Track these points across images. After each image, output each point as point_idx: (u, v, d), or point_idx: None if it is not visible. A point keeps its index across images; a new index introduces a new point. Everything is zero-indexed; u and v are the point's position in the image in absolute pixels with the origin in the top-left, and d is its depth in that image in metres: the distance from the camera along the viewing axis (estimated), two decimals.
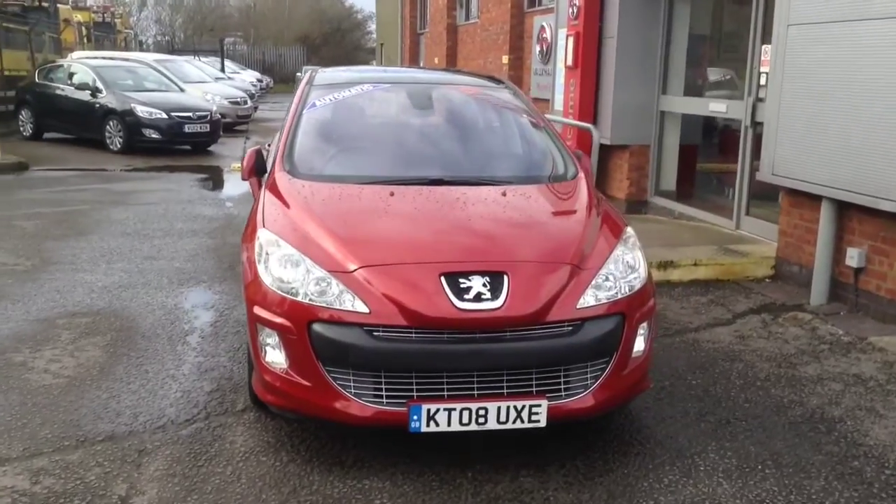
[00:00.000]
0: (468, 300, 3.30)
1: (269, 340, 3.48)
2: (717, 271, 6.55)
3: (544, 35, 11.57)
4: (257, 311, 3.50)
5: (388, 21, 25.53)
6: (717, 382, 4.49)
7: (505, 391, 3.35)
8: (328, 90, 4.87)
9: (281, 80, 41.29)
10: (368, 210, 3.86)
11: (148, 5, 54.16)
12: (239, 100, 19.59)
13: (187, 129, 14.63)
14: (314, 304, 3.35)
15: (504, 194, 4.06)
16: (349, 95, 4.82)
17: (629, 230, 3.96)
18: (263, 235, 3.70)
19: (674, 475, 3.47)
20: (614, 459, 3.59)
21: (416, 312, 3.27)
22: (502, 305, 3.31)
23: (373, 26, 44.97)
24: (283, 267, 3.50)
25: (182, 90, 16.25)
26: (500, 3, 13.85)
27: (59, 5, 24.80)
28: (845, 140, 5.51)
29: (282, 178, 4.15)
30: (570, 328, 3.41)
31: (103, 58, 18.76)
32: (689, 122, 8.75)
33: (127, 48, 37.53)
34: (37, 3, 22.07)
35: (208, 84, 19.85)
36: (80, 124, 15.11)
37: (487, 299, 3.32)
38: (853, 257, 5.58)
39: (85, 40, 29.93)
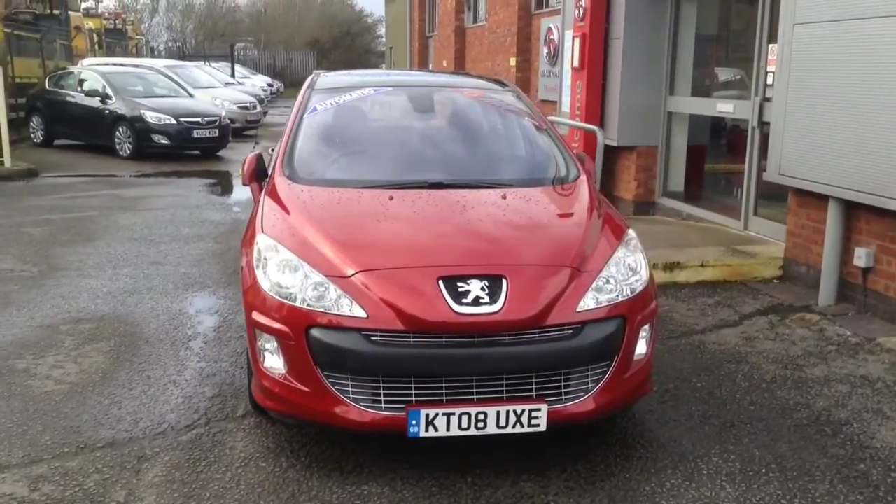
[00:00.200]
0: (466, 304, 3.28)
1: (267, 346, 3.47)
2: (725, 272, 6.50)
3: (551, 37, 11.55)
4: (255, 316, 3.49)
5: (397, 24, 25.57)
6: (722, 385, 4.44)
7: (504, 395, 3.33)
8: (329, 94, 4.85)
9: (291, 84, 41.33)
10: (367, 214, 3.84)
11: (159, 12, 54.48)
12: (248, 104, 19.63)
13: (196, 134, 14.67)
14: (312, 309, 3.34)
15: (504, 197, 4.04)
16: (350, 99, 4.81)
17: (630, 232, 3.92)
18: (262, 241, 3.69)
19: (676, 479, 3.44)
20: (616, 463, 3.56)
21: (413, 317, 3.25)
22: (501, 309, 3.28)
23: (382, 30, 45.05)
24: (281, 272, 3.49)
25: (191, 96, 16.31)
26: (508, 6, 13.83)
27: (70, 13, 24.93)
28: (852, 139, 5.46)
29: (281, 183, 4.14)
30: (570, 331, 3.38)
31: (114, 64, 18.86)
32: (697, 123, 8.69)
33: (138, 54, 37.70)
34: (48, 11, 22.20)
35: (218, 89, 19.91)
36: (90, 131, 15.18)
37: (486, 303, 3.29)
38: (861, 257, 5.52)
39: (96, 47, 30.08)
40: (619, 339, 3.46)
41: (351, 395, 3.31)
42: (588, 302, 3.44)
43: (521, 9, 13.26)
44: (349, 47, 51.01)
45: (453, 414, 3.24)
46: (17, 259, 7.08)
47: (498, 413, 3.26)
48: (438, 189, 4.07)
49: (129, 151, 14.55)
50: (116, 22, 37.61)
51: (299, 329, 3.33)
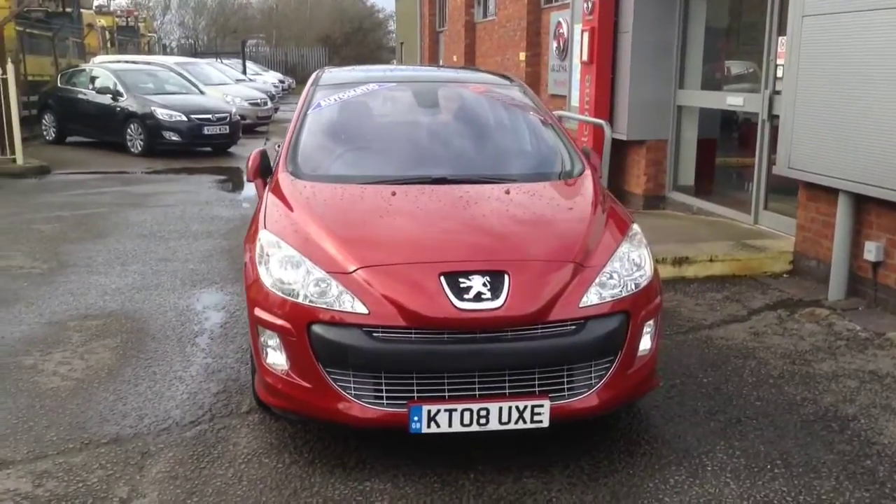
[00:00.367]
0: (468, 300, 3.27)
1: (270, 342, 3.47)
2: (734, 267, 6.45)
3: (561, 31, 11.50)
4: (258, 312, 3.49)
5: (408, 20, 25.53)
6: (728, 380, 4.41)
7: (507, 391, 3.31)
8: (333, 90, 4.85)
9: (303, 80, 41.28)
10: (370, 210, 3.83)
11: (171, 9, 54.64)
12: (259, 101, 19.68)
13: (206, 130, 14.73)
14: (314, 305, 3.33)
15: (508, 192, 4.02)
16: (354, 95, 4.79)
17: (635, 227, 3.89)
18: (264, 237, 3.69)
19: (680, 475, 3.41)
20: (620, 459, 3.54)
21: (415, 313, 3.24)
22: (503, 305, 3.27)
23: (394, 25, 44.99)
24: (283, 268, 3.49)
25: (202, 93, 16.35)
26: (517, 0, 13.78)
27: (82, 10, 25.03)
28: (861, 132, 5.40)
29: (284, 180, 4.14)
30: (573, 327, 3.36)
31: (125, 61, 18.93)
32: (707, 117, 8.63)
33: (150, 52, 37.83)
34: (60, 9, 22.30)
35: (229, 86, 19.97)
36: (102, 128, 15.26)
37: (488, 299, 3.28)
38: (871, 251, 5.47)
39: (108, 44, 30.21)
40: (622, 335, 3.44)
41: (353, 392, 3.31)
42: (591, 297, 3.42)
43: (530, 3, 13.21)
44: (361, 43, 51.04)
45: (455, 410, 3.23)
46: (27, 256, 7.12)
47: (500, 409, 3.25)
48: (442, 184, 4.06)
49: (140, 148, 14.63)
50: (129, 19, 37.73)
51: (301, 325, 3.32)
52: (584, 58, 9.27)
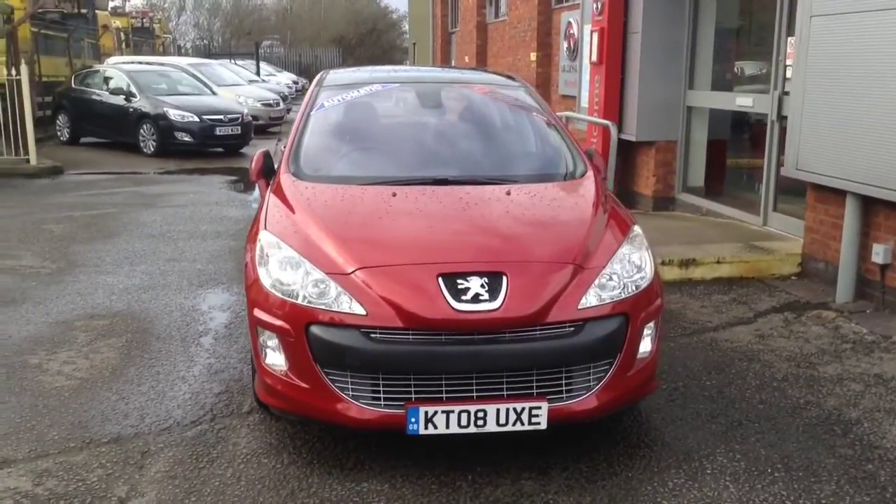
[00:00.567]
0: (465, 301, 3.26)
1: (269, 343, 3.48)
2: (742, 269, 6.42)
3: (571, 31, 11.47)
4: (257, 313, 3.50)
5: (421, 20, 25.55)
6: (732, 383, 4.39)
7: (505, 393, 3.31)
8: (337, 91, 4.86)
9: None
10: (369, 211, 3.83)
11: (186, 10, 54.91)
12: (271, 102, 19.76)
13: (219, 131, 14.80)
14: (312, 306, 3.34)
15: (509, 193, 4.01)
16: (357, 96, 4.80)
17: (636, 228, 3.88)
18: (265, 237, 3.70)
19: (679, 479, 3.40)
20: (619, 462, 3.52)
21: (412, 314, 3.24)
22: (500, 306, 3.26)
23: (407, 26, 45.05)
24: (282, 269, 3.50)
25: (214, 93, 16.43)
26: (528, 0, 13.75)
27: (97, 11, 25.19)
28: (869, 133, 5.36)
29: (286, 180, 4.15)
30: (572, 329, 3.35)
31: (138, 62, 19.05)
32: (718, 117, 8.59)
33: (165, 53, 38.05)
34: (76, 10, 22.44)
35: (241, 87, 20.06)
36: (115, 128, 15.36)
37: (485, 300, 3.27)
38: (879, 253, 5.43)
39: (123, 45, 30.41)
40: (621, 337, 3.43)
41: (351, 393, 3.31)
42: (590, 299, 3.41)
43: (541, 3, 13.16)
44: (375, 43, 51.17)
45: (452, 411, 3.22)
46: (37, 256, 7.17)
47: (498, 411, 3.24)
48: (443, 185, 4.05)
49: (153, 149, 14.71)
50: (144, 20, 37.97)
51: (299, 326, 3.33)
52: (594, 58, 9.25)
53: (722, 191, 8.53)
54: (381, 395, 3.30)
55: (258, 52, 31.58)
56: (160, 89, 15.51)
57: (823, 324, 5.30)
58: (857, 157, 5.47)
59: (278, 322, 3.40)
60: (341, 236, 3.58)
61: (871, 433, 3.80)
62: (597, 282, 3.46)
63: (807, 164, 6.02)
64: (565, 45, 11.82)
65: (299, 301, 3.37)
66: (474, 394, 3.29)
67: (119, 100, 15.13)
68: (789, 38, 6.74)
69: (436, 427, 3.23)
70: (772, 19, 7.21)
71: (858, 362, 4.66)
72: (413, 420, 3.22)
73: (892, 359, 4.69)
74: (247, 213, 9.39)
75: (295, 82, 32.87)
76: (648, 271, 3.65)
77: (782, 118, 6.95)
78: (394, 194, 3.93)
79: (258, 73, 27.11)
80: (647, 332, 3.57)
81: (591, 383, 3.40)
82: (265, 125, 18.77)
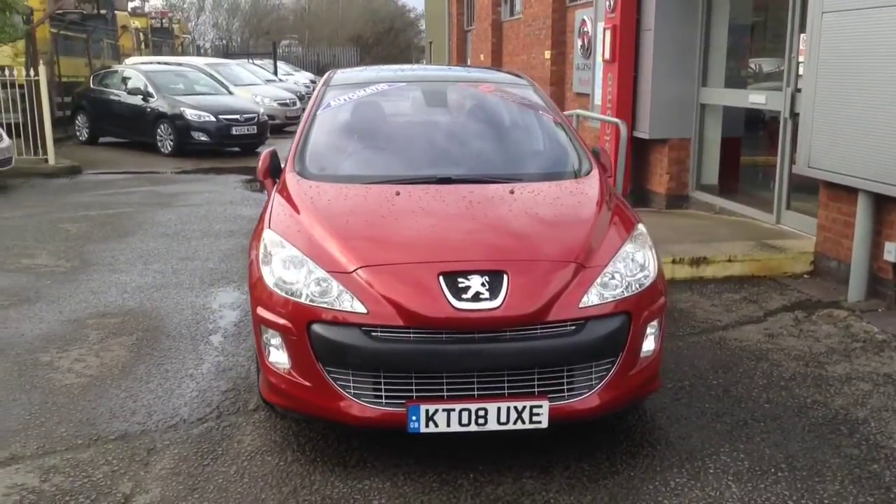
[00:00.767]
0: (466, 300, 3.27)
1: (272, 341, 3.50)
2: (753, 267, 6.38)
3: (585, 29, 11.42)
4: (260, 311, 3.53)
5: (437, 19, 25.53)
6: (738, 382, 4.36)
7: (506, 391, 3.31)
8: (343, 90, 4.88)
9: None
10: (372, 210, 3.84)
11: (205, 10, 55.24)
12: (288, 101, 19.84)
13: (235, 131, 14.90)
14: (314, 304, 3.36)
15: (512, 192, 4.01)
16: (363, 95, 4.82)
17: (640, 227, 3.87)
18: (268, 236, 3.72)
19: (681, 478, 3.38)
20: (621, 461, 3.52)
21: (413, 312, 3.25)
22: (500, 305, 3.27)
23: (424, 25, 45.08)
24: (285, 268, 3.52)
25: (231, 93, 16.52)
26: None
27: (116, 12, 25.41)
28: (881, 130, 5.31)
29: (291, 180, 4.17)
30: (573, 327, 3.35)
31: (156, 63, 19.19)
32: (732, 115, 8.53)
33: (184, 53, 38.29)
34: (95, 11, 22.65)
35: (258, 86, 20.15)
36: (133, 128, 15.49)
37: (486, 299, 3.28)
38: (891, 252, 5.38)
39: (142, 46, 30.64)
40: (623, 336, 3.42)
41: (352, 391, 3.33)
42: (591, 297, 3.40)
43: (555, 1, 13.12)
44: (392, 42, 51.22)
45: (453, 410, 3.23)
46: (52, 255, 7.26)
47: (499, 409, 3.24)
48: (447, 184, 4.06)
49: (170, 148, 14.83)
50: (163, 21, 38.23)
51: (301, 324, 3.35)
52: (607, 56, 9.21)
53: (736, 189, 8.47)
54: (383, 394, 3.31)
55: (276, 51, 31.69)
56: (177, 89, 15.63)
57: (834, 323, 5.26)
58: (869, 155, 5.42)
59: (281, 320, 3.42)
60: (344, 235, 3.60)
61: (877, 433, 3.76)
62: (599, 280, 3.46)
63: (818, 161, 5.98)
64: (579, 42, 11.77)
65: (302, 300, 3.39)
66: (475, 392, 3.30)
67: (137, 100, 15.27)
68: (801, 35, 6.69)
69: (437, 425, 3.24)
70: (785, 15, 7.15)
71: (868, 361, 4.62)
72: (414, 418, 3.24)
73: None
74: (261, 212, 9.44)
75: (313, 81, 32.90)
76: (652, 270, 3.64)
77: (795, 115, 6.89)
78: (397, 193, 3.95)
79: (275, 73, 27.21)
80: (650, 330, 3.56)
81: (593, 382, 3.40)
82: (281, 124, 18.85)
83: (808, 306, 5.61)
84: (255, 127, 15.15)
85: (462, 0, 21.14)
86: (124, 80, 15.90)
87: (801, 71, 6.69)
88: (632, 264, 3.60)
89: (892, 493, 3.27)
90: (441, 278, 3.32)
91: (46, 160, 12.68)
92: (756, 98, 7.72)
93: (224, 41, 49.89)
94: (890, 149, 5.23)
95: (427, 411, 3.23)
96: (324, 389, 3.35)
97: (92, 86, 16.37)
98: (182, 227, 8.51)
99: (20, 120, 12.68)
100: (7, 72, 12.29)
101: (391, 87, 5.00)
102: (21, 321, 5.40)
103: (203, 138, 14.69)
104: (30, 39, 14.68)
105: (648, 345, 3.56)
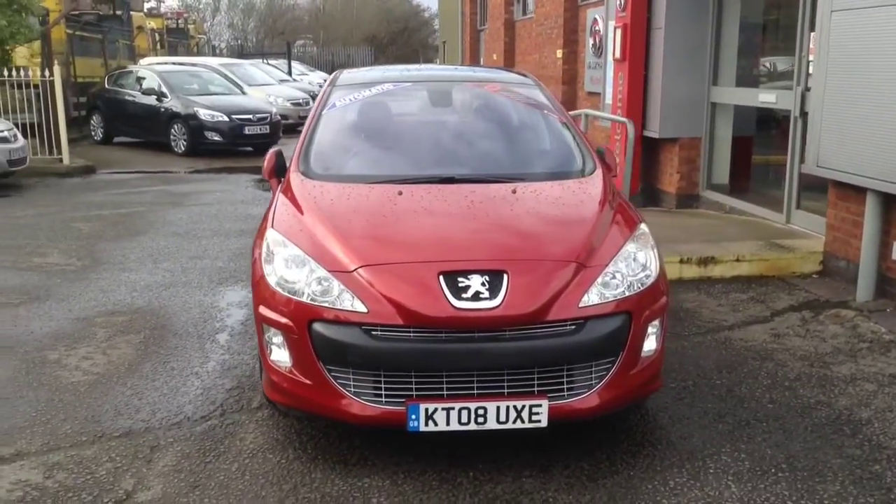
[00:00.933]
0: (466, 299, 3.28)
1: (274, 340, 3.53)
2: (762, 267, 6.35)
3: (596, 28, 11.40)
4: (262, 310, 3.55)
5: (450, 19, 25.54)
6: (742, 382, 4.35)
7: (505, 391, 3.32)
8: (349, 90, 4.90)
9: None
10: (374, 210, 3.86)
11: (221, 10, 55.46)
12: (301, 101, 19.91)
13: (247, 130, 14.97)
14: (315, 303, 3.38)
15: (514, 192, 4.01)
16: (368, 95, 4.83)
17: (642, 227, 3.86)
18: (271, 235, 3.75)
19: (681, 478, 3.38)
20: (621, 461, 3.51)
21: (412, 311, 3.26)
22: (500, 304, 3.27)
23: (438, 24, 45.08)
24: (287, 267, 3.54)
25: (244, 93, 16.59)
26: None
27: (132, 13, 25.59)
28: (890, 129, 5.27)
29: (295, 179, 4.20)
30: (573, 327, 3.35)
31: (171, 63, 19.31)
32: (743, 114, 8.49)
33: (200, 53, 38.48)
34: (111, 12, 22.82)
35: (272, 86, 20.24)
36: (147, 128, 15.60)
37: (486, 298, 3.29)
38: None
39: (158, 46, 30.84)
40: (624, 335, 3.42)
41: (352, 389, 3.35)
42: (592, 297, 3.40)
43: (567, 0, 13.11)
44: (406, 42, 51.26)
45: (453, 409, 3.24)
46: (63, 253, 7.32)
47: (498, 408, 3.25)
48: (449, 184, 4.07)
49: (183, 148, 14.93)
50: (178, 21, 38.45)
51: (302, 323, 3.37)
52: (617, 55, 9.20)
53: (747, 188, 8.43)
54: (383, 392, 3.33)
55: (290, 51, 31.79)
56: (191, 89, 15.72)
57: (841, 323, 5.23)
58: (878, 154, 5.39)
59: (282, 319, 3.45)
60: (345, 235, 3.62)
61: (880, 433, 3.74)
62: (600, 280, 3.46)
63: (827, 160, 5.94)
64: (591, 41, 11.75)
65: (303, 299, 3.41)
66: (475, 391, 3.31)
67: (151, 100, 15.37)
68: (812, 33, 6.65)
69: (436, 424, 3.25)
70: (795, 14, 7.11)
71: (874, 362, 4.59)
72: (413, 417, 3.25)
73: None
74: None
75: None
76: (653, 269, 3.64)
77: (805, 114, 6.85)
78: (400, 193, 3.96)
79: (290, 73, 27.31)
80: (651, 330, 3.55)
81: (593, 381, 3.40)
82: (294, 124, 18.87)
83: (815, 306, 5.58)
84: (267, 127, 15.22)
85: (475, 0, 21.13)
86: (139, 80, 16.02)
87: (811, 70, 6.66)
88: (633, 264, 3.60)
89: (893, 493, 3.25)
90: (441, 278, 3.33)
91: (61, 160, 12.78)
92: (766, 97, 7.68)
93: (239, 41, 50.04)
94: None
95: (427, 410, 3.24)
96: (324, 388, 3.37)
97: (107, 86, 16.49)
98: (193, 226, 8.57)
99: (35, 120, 12.80)
100: (23, 72, 12.40)
101: (396, 88, 5.02)
102: (31, 319, 5.46)
103: (216, 138, 14.77)
104: (45, 40, 14.80)
105: (649, 344, 3.56)
